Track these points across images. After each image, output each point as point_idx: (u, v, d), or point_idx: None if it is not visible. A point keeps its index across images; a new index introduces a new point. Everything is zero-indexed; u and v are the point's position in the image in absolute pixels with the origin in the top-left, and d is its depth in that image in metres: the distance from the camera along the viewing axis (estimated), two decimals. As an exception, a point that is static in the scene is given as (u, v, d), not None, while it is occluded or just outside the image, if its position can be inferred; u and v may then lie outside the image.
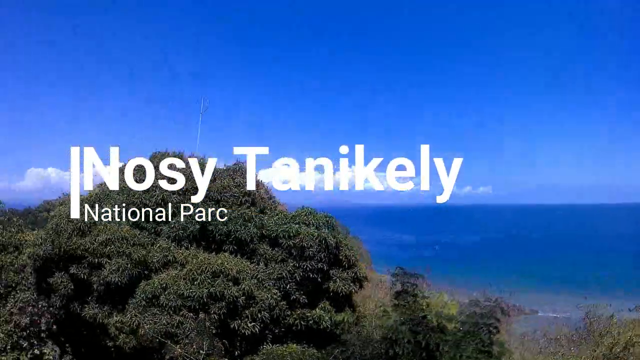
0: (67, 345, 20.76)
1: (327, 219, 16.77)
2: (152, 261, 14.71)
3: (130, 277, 14.50)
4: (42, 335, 19.87)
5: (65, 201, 20.87)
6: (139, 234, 15.62)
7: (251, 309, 14.20)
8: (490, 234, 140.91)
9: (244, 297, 14.11)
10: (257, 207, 17.52)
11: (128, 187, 16.38)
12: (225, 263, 14.54)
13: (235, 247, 15.92)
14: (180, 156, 18.70)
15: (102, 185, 17.66)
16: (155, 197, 16.05)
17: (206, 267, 14.19)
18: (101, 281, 14.87)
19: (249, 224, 16.05)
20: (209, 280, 13.89)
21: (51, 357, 23.04)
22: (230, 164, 19.19)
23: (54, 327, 18.82)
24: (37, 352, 20.52)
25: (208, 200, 15.88)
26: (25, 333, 19.34)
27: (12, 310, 19.38)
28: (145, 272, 14.71)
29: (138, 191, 15.29)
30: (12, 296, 19.45)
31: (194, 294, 13.68)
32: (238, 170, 18.43)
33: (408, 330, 12.18)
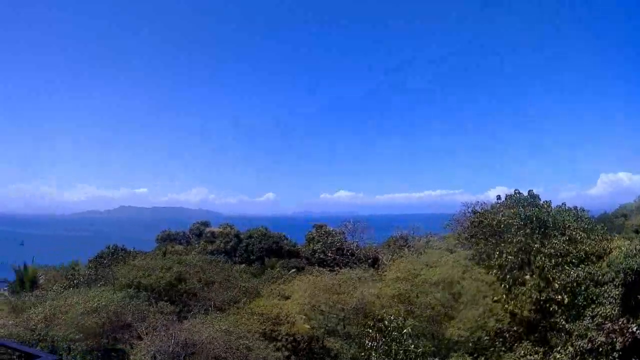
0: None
1: None
2: None
3: None
4: (614, 354, 30.83)
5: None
6: None
7: None
8: None
9: None
10: None
11: None
12: None
13: None
14: None
15: None
16: None
17: None
18: None
19: None
20: None
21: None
22: None
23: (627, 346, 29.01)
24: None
25: None
26: (596, 351, 30.91)
27: (589, 325, 32.26)
28: None
29: None
30: (590, 310, 32.44)
31: None
32: None
33: None
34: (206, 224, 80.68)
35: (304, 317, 37.31)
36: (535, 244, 34.17)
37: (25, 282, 53.56)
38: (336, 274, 45.51)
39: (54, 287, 48.07)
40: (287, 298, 42.12)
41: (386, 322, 30.23)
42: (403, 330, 29.79)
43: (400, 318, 30.88)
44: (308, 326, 36.63)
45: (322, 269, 53.60)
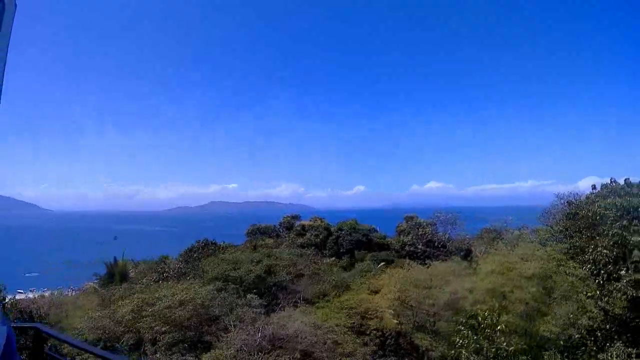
0: None
1: None
2: None
3: None
4: None
5: None
6: None
7: None
8: None
9: None
10: None
11: None
12: None
13: None
14: None
15: None
16: None
17: None
18: None
19: None
20: None
21: None
22: None
23: None
24: None
25: None
26: None
27: None
28: None
29: None
30: None
31: None
32: None
33: None
34: (296, 218, 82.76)
35: (392, 312, 38.22)
36: (632, 236, 33.83)
37: (115, 275, 57.01)
38: (428, 267, 46.24)
39: (143, 280, 50.92)
40: (377, 292, 43.23)
41: (480, 319, 29.91)
42: (497, 327, 29.66)
43: (495, 314, 30.88)
44: (396, 321, 37.57)
45: (412, 261, 54.54)
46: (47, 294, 61.02)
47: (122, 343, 31.92)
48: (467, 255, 58.12)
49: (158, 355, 30.66)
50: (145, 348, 31.67)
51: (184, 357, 31.13)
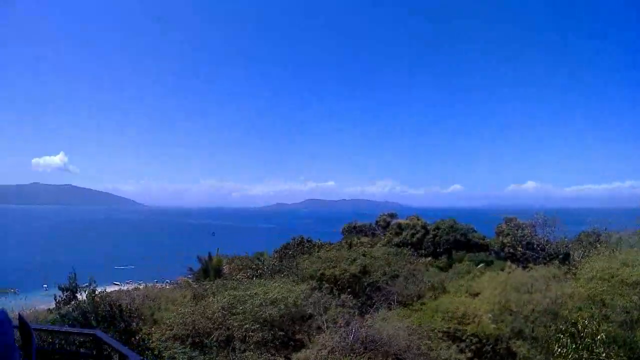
0: None
1: None
2: None
3: None
4: None
5: None
6: None
7: None
8: None
9: None
10: None
11: None
12: None
13: None
14: None
15: None
16: None
17: None
18: None
19: None
20: None
21: None
22: None
23: None
24: None
25: None
26: None
27: None
28: None
29: None
30: None
31: None
32: None
33: None
34: (393, 216, 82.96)
35: (490, 316, 37.60)
36: None
37: (210, 270, 58.36)
38: (528, 270, 45.39)
39: (237, 277, 51.89)
40: (475, 295, 42.68)
41: (579, 327, 29.06)
42: (597, 336, 28.75)
43: (595, 322, 29.87)
44: (494, 326, 36.93)
45: (512, 264, 53.65)
46: (141, 286, 63.52)
47: (212, 339, 32.69)
48: (565, 259, 56.61)
49: (247, 354, 31.19)
50: (234, 345, 32.29)
51: (273, 357, 31.52)
